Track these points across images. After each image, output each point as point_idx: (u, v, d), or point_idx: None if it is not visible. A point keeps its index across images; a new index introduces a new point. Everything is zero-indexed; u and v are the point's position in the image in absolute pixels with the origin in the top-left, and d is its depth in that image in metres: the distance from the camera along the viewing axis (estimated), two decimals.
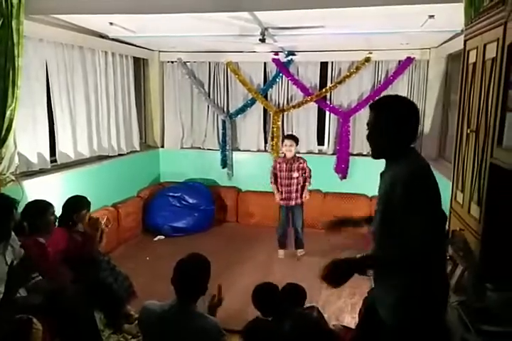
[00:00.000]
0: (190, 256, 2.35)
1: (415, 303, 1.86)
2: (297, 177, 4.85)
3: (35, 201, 3.21)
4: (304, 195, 4.90)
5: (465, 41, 2.60)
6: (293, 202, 4.88)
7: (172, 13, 3.35)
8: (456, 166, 2.75)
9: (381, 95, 5.67)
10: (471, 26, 2.49)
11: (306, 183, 4.90)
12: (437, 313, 1.90)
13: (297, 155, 4.94)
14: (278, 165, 4.89)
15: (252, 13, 3.48)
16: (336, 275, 1.79)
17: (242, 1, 3.28)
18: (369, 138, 1.93)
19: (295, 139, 4.87)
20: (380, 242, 1.90)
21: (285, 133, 6.14)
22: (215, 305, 2.55)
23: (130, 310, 3.40)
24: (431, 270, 1.81)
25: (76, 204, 3.44)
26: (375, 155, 1.93)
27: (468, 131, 2.44)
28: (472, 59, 2.47)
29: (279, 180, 4.92)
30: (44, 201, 3.18)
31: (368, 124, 1.92)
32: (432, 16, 3.64)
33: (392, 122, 1.82)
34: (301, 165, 4.85)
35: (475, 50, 2.41)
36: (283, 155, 4.96)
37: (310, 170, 4.89)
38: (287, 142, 4.82)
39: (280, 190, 4.91)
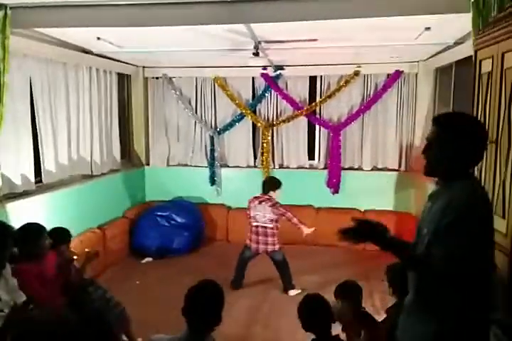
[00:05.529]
0: (202, 284, 2.17)
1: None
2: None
3: (28, 224, 2.94)
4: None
5: (475, 51, 2.56)
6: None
7: (168, 26, 3.23)
8: None
9: (371, 108, 5.67)
10: (483, 36, 2.44)
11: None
12: None
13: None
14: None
15: (248, 25, 3.39)
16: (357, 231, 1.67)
17: (238, 13, 3.18)
18: (427, 153, 1.79)
19: None
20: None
21: (274, 148, 6.06)
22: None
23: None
24: (474, 305, 1.67)
25: (56, 238, 3.13)
26: (430, 172, 1.80)
27: (488, 143, 2.36)
28: (486, 68, 2.41)
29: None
30: (37, 224, 2.93)
31: (427, 139, 1.79)
32: (428, 28, 3.62)
33: (459, 141, 1.70)
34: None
35: (490, 59, 2.35)
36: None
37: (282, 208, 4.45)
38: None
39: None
